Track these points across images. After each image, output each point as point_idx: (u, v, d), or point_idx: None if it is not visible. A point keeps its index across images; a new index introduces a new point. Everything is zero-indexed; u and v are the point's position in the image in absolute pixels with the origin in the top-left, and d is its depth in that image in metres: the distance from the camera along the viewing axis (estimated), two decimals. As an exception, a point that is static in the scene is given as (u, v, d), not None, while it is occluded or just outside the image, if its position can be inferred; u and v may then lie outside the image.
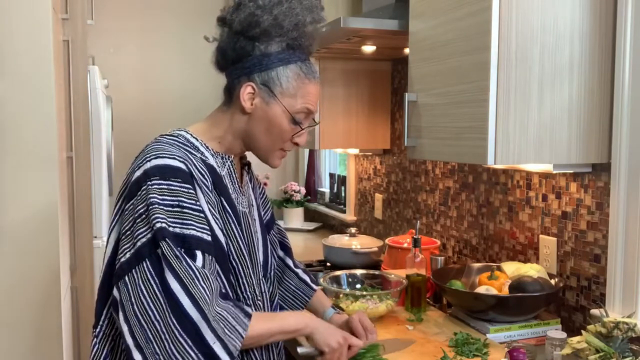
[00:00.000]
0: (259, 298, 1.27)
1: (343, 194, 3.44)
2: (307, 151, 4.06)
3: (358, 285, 1.91)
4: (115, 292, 1.08)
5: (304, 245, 3.15)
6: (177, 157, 1.12)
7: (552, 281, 1.66)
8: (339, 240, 2.56)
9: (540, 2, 1.42)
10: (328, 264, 2.56)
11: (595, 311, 1.53)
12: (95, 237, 2.59)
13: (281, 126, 1.21)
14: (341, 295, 1.78)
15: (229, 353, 1.04)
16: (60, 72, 2.10)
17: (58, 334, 1.90)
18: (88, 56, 2.53)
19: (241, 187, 1.29)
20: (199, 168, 1.16)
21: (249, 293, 1.23)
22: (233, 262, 1.19)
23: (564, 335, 1.42)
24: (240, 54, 1.19)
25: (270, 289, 1.35)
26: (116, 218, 1.16)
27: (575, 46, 1.47)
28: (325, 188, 3.94)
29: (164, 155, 1.11)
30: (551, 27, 1.44)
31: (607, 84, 1.51)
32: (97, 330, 1.17)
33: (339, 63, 2.66)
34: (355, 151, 2.99)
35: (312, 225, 3.61)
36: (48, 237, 1.86)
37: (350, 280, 1.93)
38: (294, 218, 3.65)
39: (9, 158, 1.81)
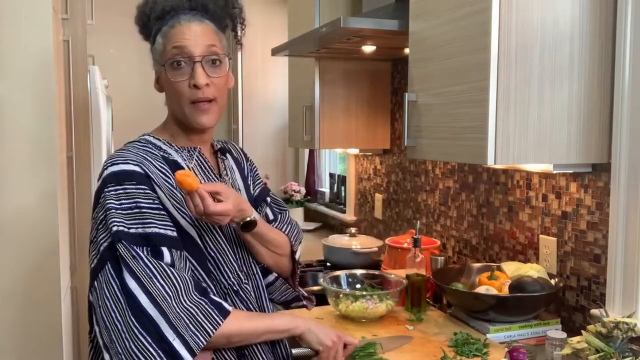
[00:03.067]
0: (245, 281, 1.27)
1: (343, 194, 3.44)
2: (307, 151, 4.06)
3: (358, 285, 1.91)
4: (90, 297, 1.13)
5: (304, 245, 3.13)
6: (130, 161, 1.16)
7: (552, 281, 1.66)
8: (339, 240, 2.56)
9: (540, 2, 1.42)
10: (328, 264, 2.56)
11: (595, 311, 1.53)
12: (95, 237, 2.59)
13: (168, 80, 1.23)
14: (341, 295, 1.78)
15: (189, 350, 1.05)
16: (60, 72, 2.10)
17: (58, 334, 1.90)
18: (88, 56, 2.53)
19: (219, 174, 1.31)
20: (158, 167, 1.19)
21: (233, 280, 1.24)
22: (211, 251, 1.21)
23: (564, 335, 1.42)
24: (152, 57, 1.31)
25: (263, 270, 1.36)
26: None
27: (575, 46, 1.47)
28: (325, 188, 3.94)
29: (118, 161, 1.16)
30: (551, 27, 1.44)
31: (607, 83, 1.51)
32: (92, 336, 1.20)
33: (339, 63, 2.66)
34: (355, 151, 2.99)
35: (312, 225, 3.61)
36: (48, 236, 1.86)
37: (350, 280, 1.93)
38: (294, 218, 3.64)
39: (9, 158, 1.80)
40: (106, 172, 1.15)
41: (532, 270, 1.68)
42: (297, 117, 2.83)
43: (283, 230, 1.44)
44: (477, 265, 1.90)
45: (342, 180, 3.49)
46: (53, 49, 1.83)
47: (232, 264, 1.25)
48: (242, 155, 1.46)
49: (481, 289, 1.68)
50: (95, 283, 1.10)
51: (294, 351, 1.30)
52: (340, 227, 3.35)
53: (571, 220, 1.69)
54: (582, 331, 1.34)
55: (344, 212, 3.38)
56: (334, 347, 1.23)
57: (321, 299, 1.77)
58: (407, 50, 1.82)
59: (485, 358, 1.46)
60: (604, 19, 1.49)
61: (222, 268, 1.22)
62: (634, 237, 1.47)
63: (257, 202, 1.43)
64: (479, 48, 1.44)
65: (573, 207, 1.68)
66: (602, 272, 1.58)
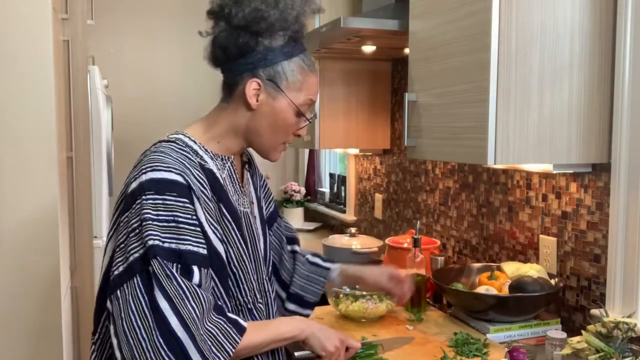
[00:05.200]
0: (260, 301, 1.26)
1: (343, 194, 3.44)
2: (307, 151, 4.06)
3: (358, 285, 1.91)
4: (108, 304, 1.08)
5: (304, 245, 3.12)
6: (173, 170, 1.09)
7: (552, 281, 1.66)
8: (339, 240, 2.56)
9: (540, 2, 1.42)
10: (328, 264, 2.56)
11: (595, 311, 1.53)
12: (95, 237, 2.59)
13: (286, 120, 1.20)
14: (341, 295, 1.78)
15: None
16: (60, 72, 2.10)
17: (58, 334, 1.90)
18: (88, 56, 2.53)
19: (242, 186, 1.28)
20: (197, 176, 1.13)
21: (249, 297, 1.22)
22: (233, 268, 1.18)
23: (564, 335, 1.42)
24: (243, 50, 1.16)
25: (273, 288, 1.34)
26: (113, 228, 1.15)
27: (575, 46, 1.47)
28: (325, 188, 3.94)
29: (160, 167, 1.09)
30: (551, 27, 1.44)
31: (607, 83, 1.51)
32: (96, 337, 1.18)
33: (339, 63, 2.66)
34: (355, 151, 2.99)
35: (312, 225, 3.61)
36: (48, 237, 1.86)
37: (350, 280, 1.92)
38: (294, 218, 3.64)
39: (9, 158, 1.80)
40: (145, 177, 1.08)
41: (532, 270, 1.68)
42: (297, 117, 2.83)
43: (314, 260, 1.53)
44: (477, 265, 1.90)
45: (342, 180, 3.49)
46: (53, 49, 1.83)
47: (251, 282, 1.22)
48: (255, 166, 1.45)
49: (481, 289, 1.68)
50: (118, 292, 1.05)
51: (296, 354, 1.30)
52: (340, 227, 3.35)
53: (571, 220, 1.69)
54: (582, 331, 1.34)
55: (344, 212, 3.38)
56: (336, 352, 1.22)
57: (321, 299, 1.77)
58: (407, 50, 1.82)
59: (485, 358, 1.46)
60: (604, 19, 1.49)
61: (241, 286, 1.20)
62: (634, 237, 1.47)
63: (270, 221, 1.42)
64: (479, 48, 1.44)
65: (573, 207, 1.68)
66: (602, 272, 1.58)
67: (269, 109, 1.19)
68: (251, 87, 1.17)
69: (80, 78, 2.37)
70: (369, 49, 2.34)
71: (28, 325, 1.87)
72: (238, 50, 1.16)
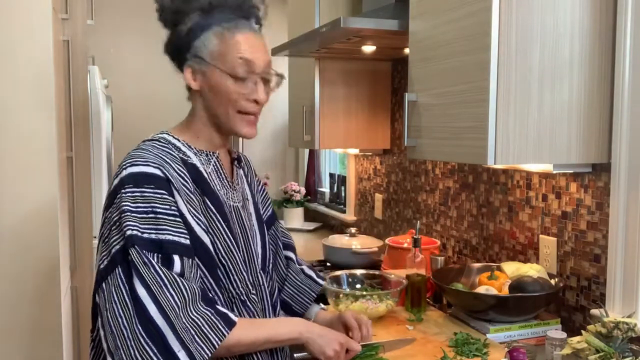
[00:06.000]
0: (253, 292, 1.26)
1: (343, 194, 3.44)
2: (307, 151, 4.06)
3: (358, 285, 1.91)
4: (96, 297, 1.11)
5: (304, 245, 3.15)
6: (151, 164, 1.13)
7: (552, 281, 1.66)
8: (339, 240, 2.56)
9: (540, 2, 1.42)
10: (328, 264, 2.56)
11: (595, 311, 1.53)
12: (95, 237, 2.59)
13: (227, 87, 1.20)
14: (341, 295, 1.78)
15: None
16: (60, 72, 2.10)
17: (58, 334, 1.90)
18: (88, 56, 2.53)
19: (231, 181, 1.30)
20: (178, 170, 1.17)
21: (241, 289, 1.23)
22: (222, 259, 1.20)
23: (564, 335, 1.42)
24: (175, 45, 1.24)
25: (270, 284, 1.35)
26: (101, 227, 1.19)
27: (575, 46, 1.47)
28: (325, 188, 3.94)
29: (139, 162, 1.13)
30: (551, 27, 1.44)
31: (607, 83, 1.51)
32: (94, 334, 1.19)
33: (339, 63, 2.66)
34: (355, 151, 2.99)
35: (312, 225, 3.61)
36: (48, 237, 1.86)
37: (350, 280, 1.93)
38: (294, 218, 3.65)
39: (9, 158, 1.80)
40: (125, 172, 1.12)
41: (532, 270, 1.68)
42: (297, 117, 2.83)
43: (309, 273, 1.54)
44: (477, 265, 1.90)
45: (342, 180, 3.49)
46: (53, 49, 1.83)
47: (241, 273, 1.23)
48: (252, 170, 1.46)
49: (481, 289, 1.68)
50: (104, 285, 1.08)
51: (296, 355, 1.30)
52: (340, 227, 3.35)
53: (571, 220, 1.69)
54: (582, 331, 1.34)
55: (344, 212, 3.38)
56: (335, 356, 1.22)
57: (321, 299, 1.77)
58: (407, 50, 1.82)
59: (485, 358, 1.46)
60: (604, 18, 1.49)
61: (232, 277, 1.21)
62: (634, 237, 1.47)
63: (268, 224, 1.44)
64: (479, 48, 1.44)
65: (573, 207, 1.68)
66: (602, 272, 1.58)
67: (207, 85, 1.22)
68: (188, 73, 1.23)
69: (80, 78, 2.37)
70: (369, 49, 2.34)
71: (28, 325, 1.87)
72: (173, 48, 1.25)
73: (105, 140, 2.72)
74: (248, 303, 1.24)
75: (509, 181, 1.94)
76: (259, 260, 1.30)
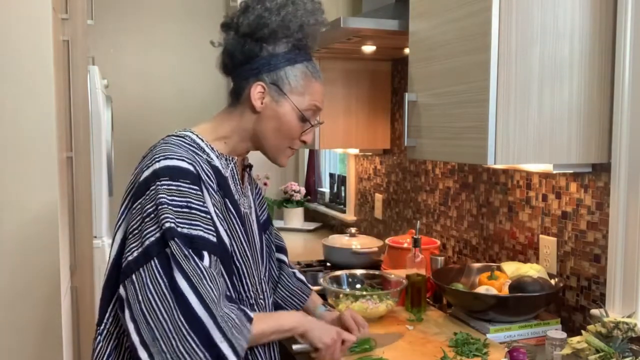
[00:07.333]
0: (261, 297, 1.30)
1: (343, 194, 3.44)
2: (307, 151, 4.06)
3: (358, 285, 1.91)
4: (121, 290, 1.08)
5: (304, 245, 3.15)
6: (185, 159, 1.13)
7: (552, 281, 1.66)
8: (339, 240, 2.56)
9: (540, 2, 1.42)
10: (328, 264, 2.56)
11: (595, 311, 1.53)
12: (95, 237, 2.60)
13: (291, 124, 1.23)
14: (341, 295, 1.78)
15: (236, 353, 1.05)
16: (60, 72, 2.10)
17: (58, 333, 1.90)
18: (88, 56, 2.53)
19: (242, 188, 1.31)
20: (205, 170, 1.17)
21: (251, 293, 1.26)
22: (237, 262, 1.21)
23: (564, 335, 1.42)
24: (248, 56, 1.22)
25: (269, 288, 1.38)
26: (122, 217, 1.17)
27: (575, 46, 1.47)
28: (325, 188, 3.94)
29: (173, 156, 1.13)
30: (551, 27, 1.44)
31: (607, 83, 1.51)
32: (102, 328, 1.18)
33: (339, 63, 2.66)
34: (355, 151, 2.99)
35: (312, 225, 3.61)
36: (48, 237, 1.86)
37: (350, 280, 1.93)
38: (294, 218, 3.64)
39: (9, 158, 1.81)
40: (159, 165, 1.11)
41: (532, 270, 1.68)
42: (297, 117, 2.83)
43: (300, 277, 1.58)
44: (477, 265, 1.90)
45: (342, 180, 3.49)
46: (53, 49, 1.83)
47: (253, 277, 1.26)
48: (251, 175, 1.48)
49: (481, 289, 1.68)
50: (134, 277, 1.06)
51: (294, 347, 1.33)
52: (340, 227, 3.35)
53: (571, 220, 1.69)
54: (582, 331, 1.34)
55: (344, 212, 3.38)
56: (333, 344, 1.26)
57: (321, 299, 1.77)
58: (407, 50, 1.82)
59: (485, 358, 1.46)
60: (604, 18, 1.49)
61: (244, 280, 1.23)
62: (634, 237, 1.47)
63: (264, 227, 1.46)
64: (479, 48, 1.44)
65: (573, 207, 1.68)
66: (602, 272, 1.58)
67: (273, 113, 1.23)
68: (256, 90, 1.22)
69: (80, 78, 2.38)
70: (369, 49, 2.34)
71: (28, 325, 1.87)
72: (244, 56, 1.22)
73: (105, 140, 2.72)
74: (256, 307, 1.27)
75: (509, 181, 1.94)
76: (262, 267, 1.33)
